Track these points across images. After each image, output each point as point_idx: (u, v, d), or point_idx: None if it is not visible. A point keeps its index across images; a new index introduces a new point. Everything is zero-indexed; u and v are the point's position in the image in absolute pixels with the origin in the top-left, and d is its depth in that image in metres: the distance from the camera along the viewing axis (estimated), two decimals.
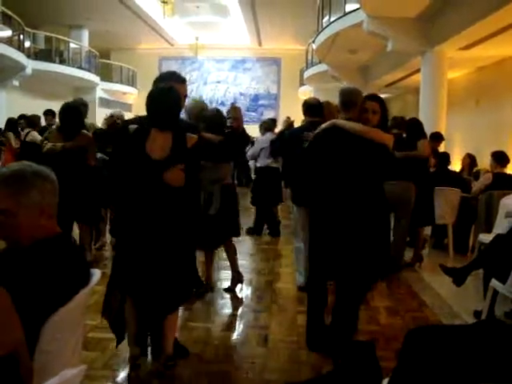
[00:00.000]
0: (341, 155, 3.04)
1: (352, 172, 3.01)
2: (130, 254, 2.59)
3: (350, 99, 3.12)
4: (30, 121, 7.28)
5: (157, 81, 2.89)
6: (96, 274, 1.71)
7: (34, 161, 1.64)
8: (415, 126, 5.09)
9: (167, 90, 2.62)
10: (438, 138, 6.49)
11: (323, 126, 3.15)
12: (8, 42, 12.89)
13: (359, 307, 3.11)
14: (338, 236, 2.98)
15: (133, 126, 2.60)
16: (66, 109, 4.79)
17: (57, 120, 7.55)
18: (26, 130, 7.11)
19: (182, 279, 2.66)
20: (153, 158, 2.51)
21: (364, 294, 3.24)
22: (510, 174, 5.89)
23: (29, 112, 7.98)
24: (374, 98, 3.26)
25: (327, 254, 3.04)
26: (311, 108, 4.31)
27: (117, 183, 2.73)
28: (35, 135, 6.91)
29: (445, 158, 6.03)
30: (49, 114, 7.60)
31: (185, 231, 2.63)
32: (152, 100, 2.60)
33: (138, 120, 2.75)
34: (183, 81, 2.90)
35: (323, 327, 3.13)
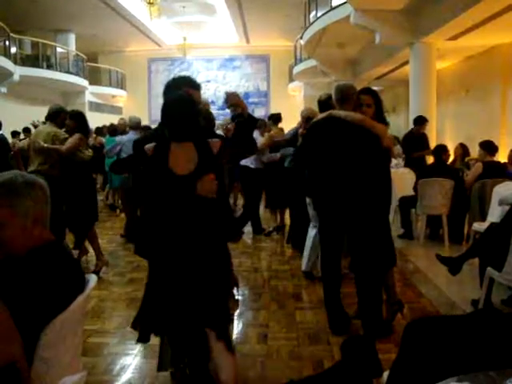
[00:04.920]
0: (337, 144, 3.14)
1: (347, 160, 3.12)
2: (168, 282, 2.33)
3: (343, 95, 3.23)
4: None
5: (170, 86, 2.62)
6: (92, 279, 1.71)
7: None
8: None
9: (183, 98, 2.38)
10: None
11: (320, 116, 3.28)
12: None
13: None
14: (339, 219, 3.19)
15: (149, 146, 2.34)
16: (84, 115, 5.04)
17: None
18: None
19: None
20: (178, 173, 2.28)
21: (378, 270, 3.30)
22: (500, 162, 5.93)
23: (17, 118, 7.90)
24: (367, 91, 3.38)
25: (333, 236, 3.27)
26: (319, 104, 4.29)
27: (145, 206, 2.50)
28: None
29: (440, 150, 6.02)
30: None
31: (223, 244, 2.44)
32: (168, 110, 2.34)
33: (153, 135, 2.52)
34: (198, 87, 2.64)
35: (342, 311, 3.32)
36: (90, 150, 4.99)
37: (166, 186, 2.29)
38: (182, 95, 2.42)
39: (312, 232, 4.47)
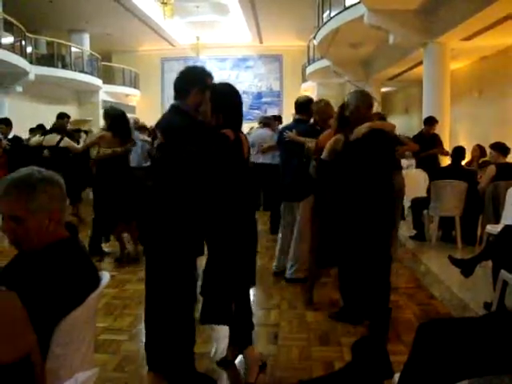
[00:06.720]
0: (380, 156, 3.22)
1: (380, 166, 3.23)
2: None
3: (372, 101, 3.41)
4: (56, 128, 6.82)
5: (196, 78, 2.63)
6: (105, 277, 1.72)
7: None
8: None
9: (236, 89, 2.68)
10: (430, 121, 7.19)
11: (363, 131, 3.19)
12: (10, 48, 12.93)
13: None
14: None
15: (228, 131, 2.42)
16: (121, 115, 5.07)
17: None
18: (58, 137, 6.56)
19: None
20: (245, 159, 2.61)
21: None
22: None
23: (32, 117, 7.94)
24: None
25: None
26: (296, 106, 4.57)
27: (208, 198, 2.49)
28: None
29: (458, 152, 5.94)
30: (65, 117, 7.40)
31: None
32: (235, 99, 2.59)
33: (198, 126, 2.48)
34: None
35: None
36: (121, 148, 4.96)
37: (241, 173, 2.53)
38: (233, 85, 2.68)
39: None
